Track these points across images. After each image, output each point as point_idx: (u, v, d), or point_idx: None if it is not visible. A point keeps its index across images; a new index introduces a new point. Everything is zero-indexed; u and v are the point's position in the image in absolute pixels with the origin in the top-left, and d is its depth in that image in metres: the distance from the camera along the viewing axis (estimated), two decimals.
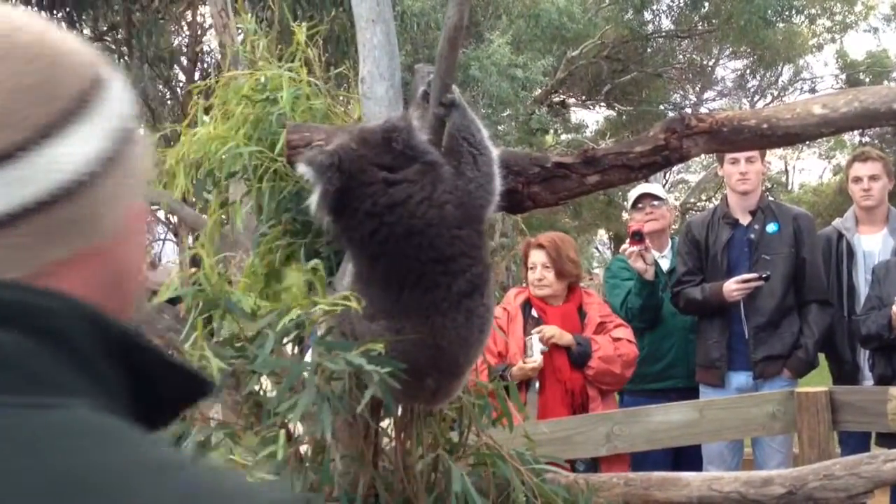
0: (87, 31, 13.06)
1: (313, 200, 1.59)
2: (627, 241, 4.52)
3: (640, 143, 1.81)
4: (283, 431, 1.71)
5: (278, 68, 2.00)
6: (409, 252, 1.54)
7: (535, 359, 3.99)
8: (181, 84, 14.95)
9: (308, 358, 1.76)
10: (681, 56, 21.52)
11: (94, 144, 0.78)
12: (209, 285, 1.69)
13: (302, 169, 1.59)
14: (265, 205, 1.85)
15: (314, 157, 1.57)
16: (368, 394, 1.53)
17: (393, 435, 1.94)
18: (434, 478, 1.91)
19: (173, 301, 1.91)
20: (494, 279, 1.76)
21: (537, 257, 4.17)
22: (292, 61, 2.05)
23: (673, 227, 5.03)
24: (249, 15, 2.19)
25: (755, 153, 4.40)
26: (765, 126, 1.76)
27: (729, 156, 4.38)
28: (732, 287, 4.29)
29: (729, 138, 1.78)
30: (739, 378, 4.40)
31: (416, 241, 1.54)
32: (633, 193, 4.93)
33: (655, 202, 4.79)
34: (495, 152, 1.70)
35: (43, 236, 0.75)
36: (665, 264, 4.78)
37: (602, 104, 21.55)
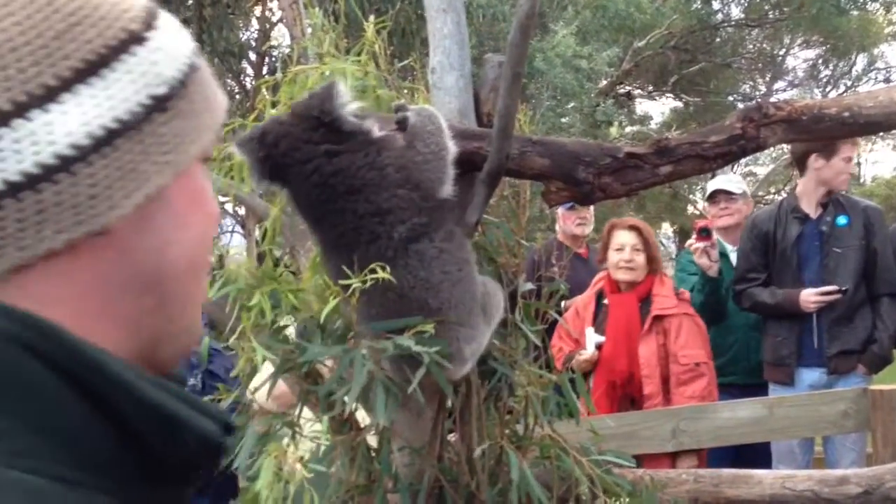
0: None
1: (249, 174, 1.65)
2: (694, 236, 4.47)
3: (715, 133, 1.77)
4: (326, 418, 1.71)
5: (344, 62, 2.00)
6: (346, 208, 1.58)
7: (589, 351, 3.98)
8: (249, 78, 15.15)
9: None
10: (750, 45, 21.13)
11: (92, 114, 0.65)
12: (250, 278, 1.71)
13: (231, 149, 1.63)
14: None
15: (239, 134, 1.64)
16: (419, 375, 1.53)
17: (457, 427, 1.93)
18: (497, 470, 1.90)
19: None
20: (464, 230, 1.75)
21: (626, 238, 4.11)
22: (359, 55, 2.05)
23: None
24: (317, 9, 2.20)
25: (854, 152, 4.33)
26: (846, 114, 1.70)
27: (844, 153, 4.28)
28: (811, 300, 4.21)
29: (808, 127, 1.73)
30: (812, 375, 4.31)
31: (353, 198, 1.58)
32: (710, 187, 4.87)
33: (733, 196, 4.74)
34: (452, 146, 1.70)
35: (27, 218, 0.63)
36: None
37: (669, 95, 21.26)
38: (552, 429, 1.91)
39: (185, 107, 0.71)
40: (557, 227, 5.29)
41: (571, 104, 13.85)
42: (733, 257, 4.71)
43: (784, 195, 5.05)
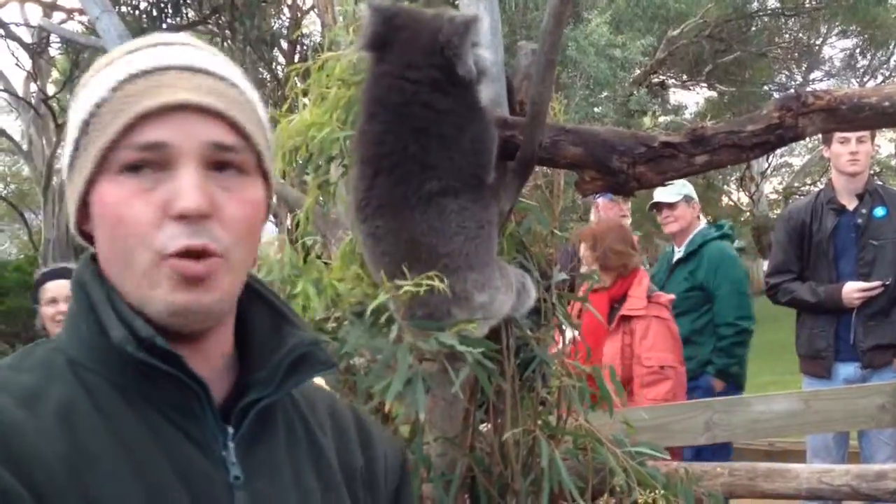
0: (191, 14, 13.39)
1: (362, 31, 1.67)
2: None
3: (753, 122, 1.74)
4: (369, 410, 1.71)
5: None
6: (402, 141, 1.58)
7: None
8: (281, 66, 15.21)
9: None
10: (787, 35, 20.85)
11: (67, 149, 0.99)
12: (291, 266, 1.71)
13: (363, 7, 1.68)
14: None
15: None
16: (462, 374, 1.53)
17: (489, 417, 1.93)
18: (530, 461, 1.89)
19: None
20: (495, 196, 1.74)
21: (582, 250, 4.14)
22: None
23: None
24: None
25: (866, 133, 4.22)
26: (886, 104, 1.67)
27: (838, 135, 4.20)
28: (855, 295, 4.14)
29: (847, 116, 1.70)
30: (847, 369, 4.24)
31: (415, 138, 1.58)
32: (654, 197, 4.91)
33: (672, 205, 4.78)
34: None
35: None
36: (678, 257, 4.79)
37: (703, 85, 21.04)
38: (586, 420, 1.89)
39: (86, 140, 0.95)
40: (593, 218, 5.28)
41: (605, 93, 13.75)
42: (676, 257, 4.78)
43: (821, 187, 4.94)
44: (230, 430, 0.96)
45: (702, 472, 2.03)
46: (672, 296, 4.30)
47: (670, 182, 1.84)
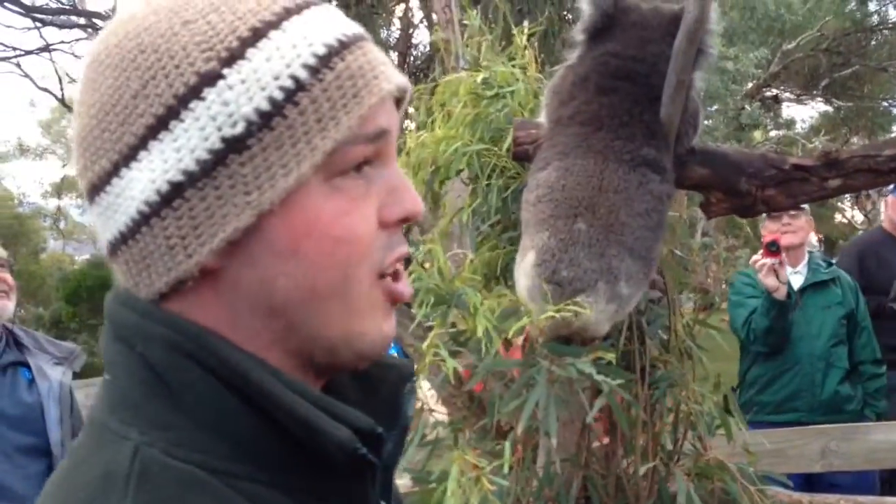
0: None
1: (582, 17, 1.76)
2: (760, 252, 4.02)
3: (891, 146, 1.69)
4: (508, 444, 1.70)
5: (503, 65, 2.00)
6: (635, 106, 1.66)
7: None
8: None
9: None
10: None
11: (161, 169, 0.67)
12: (439, 281, 1.72)
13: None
14: (491, 202, 1.86)
15: None
16: (598, 403, 1.52)
17: (603, 437, 1.91)
18: (648, 486, 1.86)
19: None
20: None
21: None
22: (513, 59, 2.05)
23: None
24: (476, 12, 2.20)
25: None
26: None
27: None
28: None
29: None
30: None
31: (647, 103, 1.66)
32: None
33: (794, 212, 4.06)
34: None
35: (139, 262, 0.70)
36: (799, 281, 4.17)
37: (819, 99, 20.41)
38: (711, 447, 1.85)
39: (277, 137, 0.67)
40: (882, 216, 4.96)
41: (715, 107, 13.48)
42: (795, 279, 4.15)
43: None
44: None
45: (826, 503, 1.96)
46: None
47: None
